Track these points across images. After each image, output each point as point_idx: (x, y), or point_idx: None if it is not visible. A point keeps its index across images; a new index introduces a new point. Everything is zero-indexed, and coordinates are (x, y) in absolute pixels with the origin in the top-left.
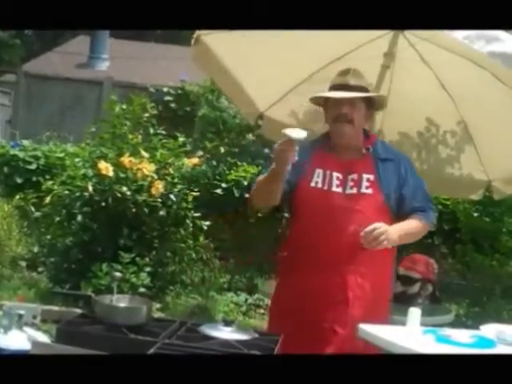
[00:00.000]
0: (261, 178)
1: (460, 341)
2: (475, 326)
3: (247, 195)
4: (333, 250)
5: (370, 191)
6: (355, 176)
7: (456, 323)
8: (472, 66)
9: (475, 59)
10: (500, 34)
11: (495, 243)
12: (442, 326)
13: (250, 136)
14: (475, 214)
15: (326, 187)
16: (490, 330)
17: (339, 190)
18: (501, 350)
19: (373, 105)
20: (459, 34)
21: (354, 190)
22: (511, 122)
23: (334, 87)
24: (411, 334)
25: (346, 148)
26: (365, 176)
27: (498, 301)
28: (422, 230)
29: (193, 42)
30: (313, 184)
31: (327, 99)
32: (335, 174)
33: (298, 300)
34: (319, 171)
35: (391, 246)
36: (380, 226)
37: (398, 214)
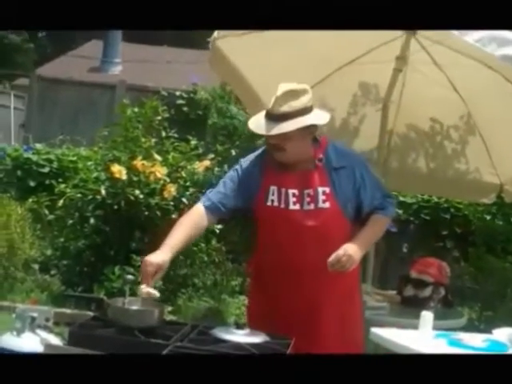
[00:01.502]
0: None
1: (473, 345)
2: (488, 330)
3: None
4: (297, 268)
5: (327, 205)
6: (311, 191)
7: (468, 327)
8: (484, 69)
9: (487, 62)
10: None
11: (508, 246)
12: (454, 329)
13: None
14: (488, 217)
15: (283, 205)
16: (502, 333)
17: (297, 207)
18: None
19: (312, 122)
20: (471, 37)
21: (312, 206)
22: None
23: (265, 115)
24: (423, 338)
25: (296, 162)
26: (320, 189)
27: (510, 304)
28: (384, 227)
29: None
30: (269, 203)
31: None
32: (291, 191)
33: (268, 317)
34: (274, 188)
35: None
36: (343, 255)
37: (358, 218)
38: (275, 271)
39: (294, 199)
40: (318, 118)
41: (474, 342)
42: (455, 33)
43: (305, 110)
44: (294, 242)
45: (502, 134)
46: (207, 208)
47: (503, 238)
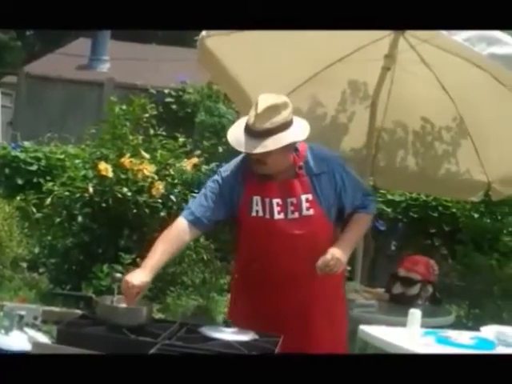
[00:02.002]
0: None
1: (460, 342)
2: (476, 328)
3: None
4: (285, 274)
5: (311, 212)
6: (294, 200)
7: (456, 324)
8: (472, 68)
9: (476, 61)
10: (501, 36)
11: (495, 244)
12: (442, 327)
13: None
14: (476, 215)
15: (267, 216)
16: (490, 331)
17: (281, 216)
18: (501, 351)
19: (294, 139)
20: (460, 36)
21: (296, 215)
22: (510, 123)
23: (245, 130)
24: (412, 336)
25: (276, 172)
26: (303, 197)
27: (498, 302)
28: (367, 225)
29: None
30: (253, 214)
31: None
32: (275, 201)
33: (258, 320)
34: (257, 198)
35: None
36: (330, 259)
37: (341, 219)
38: (263, 278)
39: (278, 208)
40: (299, 132)
41: (462, 340)
42: (444, 32)
43: (286, 125)
44: (281, 251)
45: (490, 132)
46: (190, 222)
47: (490, 236)
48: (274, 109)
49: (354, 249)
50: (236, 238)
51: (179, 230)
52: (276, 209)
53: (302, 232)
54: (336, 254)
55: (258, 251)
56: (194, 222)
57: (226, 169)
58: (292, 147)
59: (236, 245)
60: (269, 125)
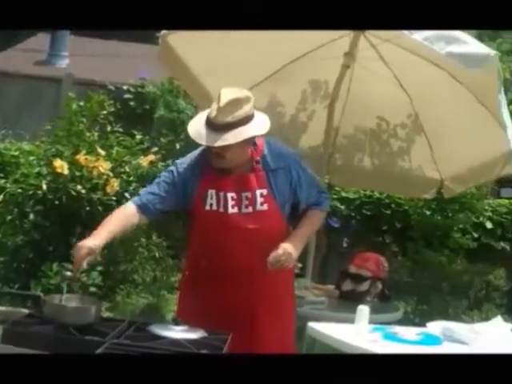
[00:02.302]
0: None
1: (407, 338)
2: (422, 323)
3: None
4: (236, 269)
5: (265, 207)
6: (249, 194)
7: (404, 320)
8: (430, 66)
9: (434, 59)
10: (460, 35)
11: (445, 240)
12: (390, 323)
13: None
14: (427, 212)
15: (221, 209)
16: (436, 326)
17: (235, 210)
18: (447, 346)
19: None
20: (419, 35)
21: (250, 209)
22: (465, 120)
23: (206, 123)
24: (359, 332)
25: (234, 166)
26: (258, 192)
27: (446, 298)
28: (319, 222)
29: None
30: (207, 207)
31: None
32: (229, 195)
33: (208, 316)
34: (212, 192)
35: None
36: (282, 254)
37: (294, 215)
38: (214, 273)
39: (233, 202)
40: (260, 127)
41: (409, 336)
42: (404, 31)
43: (247, 119)
44: (233, 245)
45: (444, 129)
46: (138, 207)
47: (441, 233)
48: (236, 103)
49: (305, 245)
50: (189, 232)
51: (126, 213)
52: (230, 203)
53: (255, 227)
54: (287, 248)
55: (211, 245)
56: (141, 208)
57: (183, 161)
58: (251, 141)
59: (188, 240)
60: (230, 118)
